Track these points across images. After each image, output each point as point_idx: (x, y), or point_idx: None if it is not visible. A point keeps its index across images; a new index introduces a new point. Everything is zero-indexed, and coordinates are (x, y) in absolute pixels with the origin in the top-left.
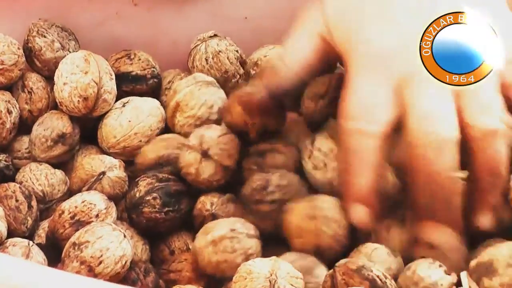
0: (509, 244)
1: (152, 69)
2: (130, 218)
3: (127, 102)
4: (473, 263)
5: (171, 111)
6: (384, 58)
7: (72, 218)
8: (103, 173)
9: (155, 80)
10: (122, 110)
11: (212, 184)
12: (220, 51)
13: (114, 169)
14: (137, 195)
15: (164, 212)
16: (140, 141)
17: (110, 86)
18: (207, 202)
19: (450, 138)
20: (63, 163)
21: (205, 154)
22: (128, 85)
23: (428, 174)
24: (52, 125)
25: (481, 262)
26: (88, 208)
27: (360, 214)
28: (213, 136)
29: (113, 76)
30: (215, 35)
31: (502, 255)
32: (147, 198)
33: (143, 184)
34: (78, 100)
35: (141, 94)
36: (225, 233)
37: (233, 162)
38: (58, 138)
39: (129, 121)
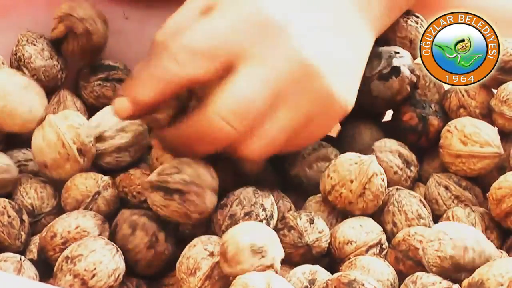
0: (499, 263)
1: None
2: None
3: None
4: (464, 283)
5: None
6: None
7: (63, 244)
8: (98, 193)
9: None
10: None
11: None
12: None
13: (108, 187)
14: None
15: None
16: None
17: None
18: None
19: None
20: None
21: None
22: (104, 71)
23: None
24: None
25: (472, 282)
26: (81, 235)
27: (124, 105)
28: None
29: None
30: None
31: (493, 274)
32: None
33: None
34: None
35: (118, 80)
36: None
37: None
38: None
39: None
